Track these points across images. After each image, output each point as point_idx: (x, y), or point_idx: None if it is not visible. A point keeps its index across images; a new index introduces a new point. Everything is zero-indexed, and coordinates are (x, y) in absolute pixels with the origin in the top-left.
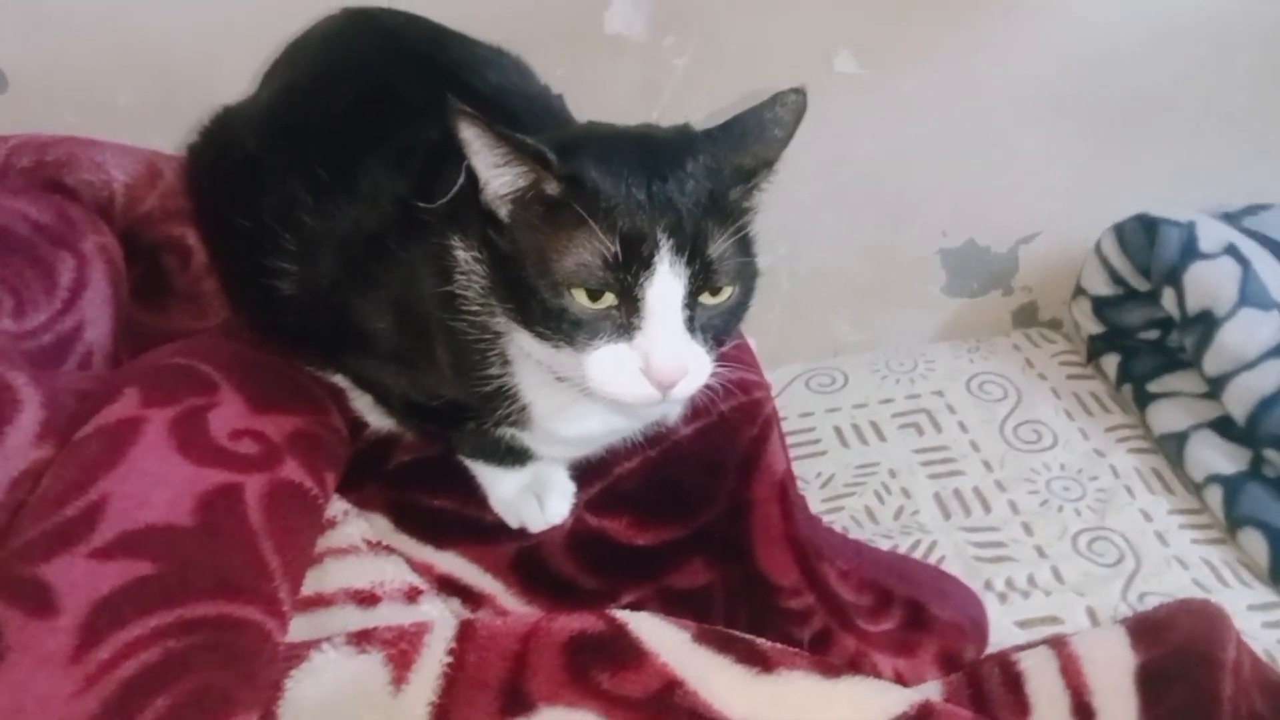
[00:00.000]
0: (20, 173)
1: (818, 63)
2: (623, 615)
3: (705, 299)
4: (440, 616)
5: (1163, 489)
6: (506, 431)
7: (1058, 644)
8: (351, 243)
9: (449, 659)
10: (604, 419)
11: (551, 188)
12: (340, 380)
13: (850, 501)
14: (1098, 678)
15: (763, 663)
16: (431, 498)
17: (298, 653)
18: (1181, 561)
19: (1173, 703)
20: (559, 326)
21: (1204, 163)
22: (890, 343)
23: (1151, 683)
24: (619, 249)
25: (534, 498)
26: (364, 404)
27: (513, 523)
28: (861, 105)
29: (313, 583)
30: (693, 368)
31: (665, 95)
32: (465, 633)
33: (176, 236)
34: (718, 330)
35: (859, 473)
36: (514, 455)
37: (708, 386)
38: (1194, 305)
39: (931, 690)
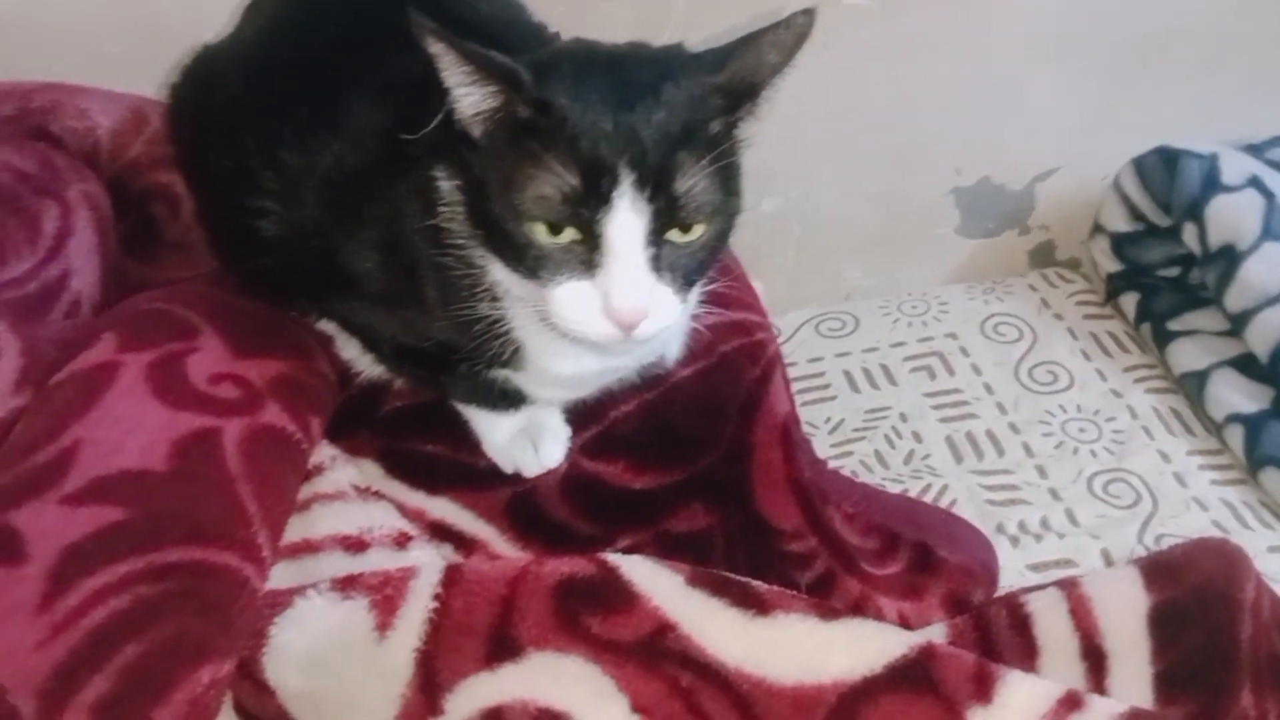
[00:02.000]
0: (4, 121)
1: None
2: (614, 558)
3: (674, 236)
4: (430, 562)
5: (1182, 429)
6: (500, 373)
7: (1068, 585)
8: (335, 180)
9: (435, 604)
10: (599, 357)
11: (523, 111)
12: (328, 326)
13: (860, 446)
14: (1109, 619)
15: (758, 605)
16: (424, 443)
17: (282, 600)
18: (1200, 503)
19: (1188, 645)
20: (523, 259)
21: (1224, 96)
22: (903, 286)
23: (1166, 624)
24: (579, 182)
25: (528, 442)
26: (353, 351)
27: (507, 468)
28: (871, 42)
29: (300, 529)
30: (656, 309)
31: (666, 35)
32: (452, 578)
33: (165, 184)
34: (688, 269)
35: (869, 417)
36: (507, 399)
37: (705, 326)
38: (1216, 240)
39: (935, 633)
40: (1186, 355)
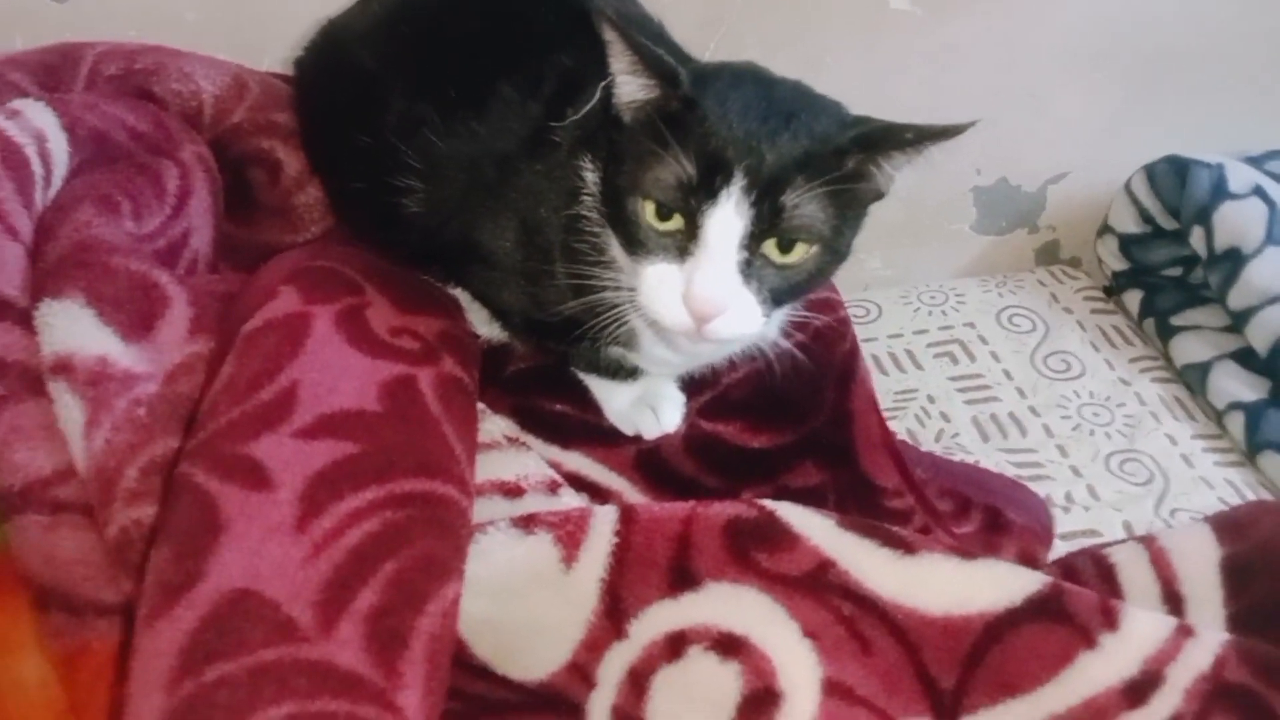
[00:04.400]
0: (108, 80)
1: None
2: (770, 503)
3: (771, 252)
4: (601, 507)
5: (1185, 416)
6: (616, 350)
7: (1146, 540)
8: (480, 163)
9: (616, 540)
10: (714, 349)
11: (672, 105)
12: (458, 293)
13: (893, 425)
14: (1185, 568)
15: (905, 546)
16: (551, 402)
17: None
18: (1207, 482)
19: (1257, 593)
20: (631, 235)
21: (1227, 112)
22: (919, 278)
23: (1236, 573)
24: (694, 173)
25: (647, 408)
26: (479, 317)
27: (628, 430)
28: (911, 46)
29: None
30: (734, 309)
31: (724, 27)
32: (628, 516)
33: (265, 150)
34: (777, 288)
35: (899, 398)
36: (625, 370)
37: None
38: (1222, 243)
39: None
40: (1189, 348)
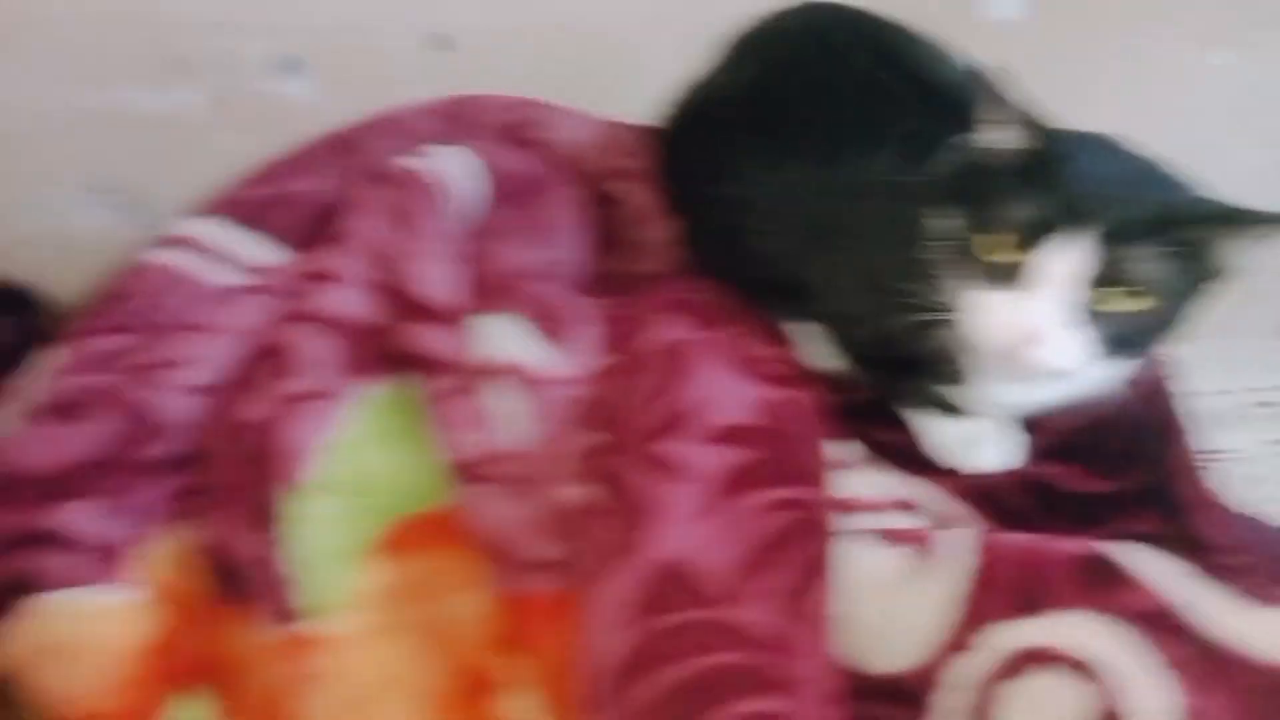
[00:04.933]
0: (495, 129)
1: None
2: (1112, 546)
3: (1104, 302)
4: (959, 529)
5: None
6: (946, 387)
7: None
8: (831, 213)
9: (971, 559)
10: (1040, 390)
11: (1032, 156)
12: (796, 329)
13: None
14: None
15: (1260, 595)
16: (888, 432)
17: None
18: None
19: None
20: (967, 263)
21: None
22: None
23: None
24: (1048, 215)
25: (969, 444)
26: (811, 348)
27: (947, 464)
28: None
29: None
30: (1057, 342)
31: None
32: (981, 541)
33: (621, 192)
34: (1101, 339)
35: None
36: (950, 409)
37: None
38: None
39: None
40: None
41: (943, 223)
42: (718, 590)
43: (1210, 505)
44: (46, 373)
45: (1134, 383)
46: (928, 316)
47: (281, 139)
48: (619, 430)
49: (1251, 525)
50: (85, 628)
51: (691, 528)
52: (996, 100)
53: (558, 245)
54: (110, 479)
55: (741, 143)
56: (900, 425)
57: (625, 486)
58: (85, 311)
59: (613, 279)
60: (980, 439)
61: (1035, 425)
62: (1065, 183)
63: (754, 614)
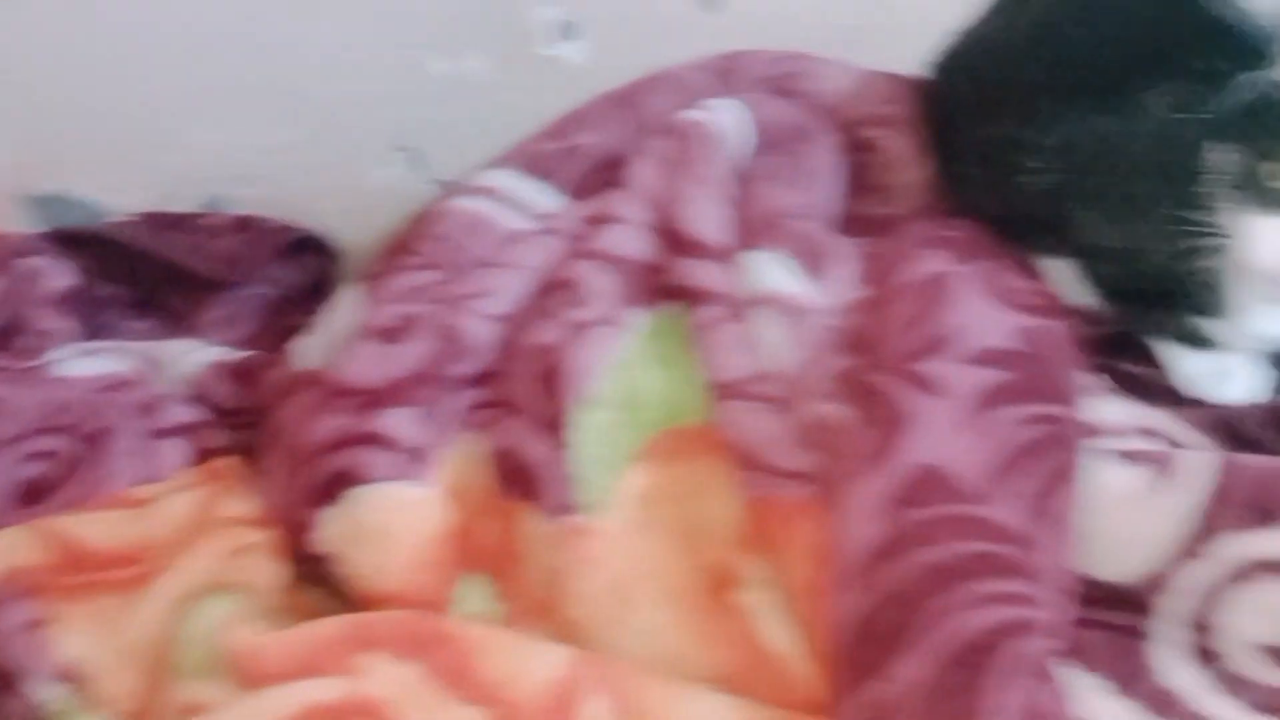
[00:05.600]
0: (762, 81)
1: None
2: None
3: None
4: (1194, 452)
5: None
6: (1201, 320)
7: None
8: (1107, 149)
9: (1217, 479)
10: None
11: None
12: (1047, 262)
13: None
14: None
15: None
16: (1135, 364)
17: None
18: None
19: None
20: (1253, 190)
21: None
22: None
23: None
24: None
25: (1219, 374)
26: (1067, 281)
27: (1193, 394)
28: None
29: None
30: None
31: None
32: (1220, 461)
33: (874, 138)
34: None
35: None
36: (1202, 341)
37: None
38: None
39: None
40: None
41: (1226, 156)
42: (970, 490)
43: None
44: (358, 304)
45: None
46: (1199, 243)
47: (561, 100)
48: (878, 352)
49: None
50: (395, 517)
51: (948, 437)
52: None
53: (817, 189)
54: (424, 391)
55: (1019, 83)
56: (1146, 359)
57: (883, 400)
58: (395, 251)
59: (864, 221)
60: (1230, 371)
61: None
62: None
63: (1003, 512)
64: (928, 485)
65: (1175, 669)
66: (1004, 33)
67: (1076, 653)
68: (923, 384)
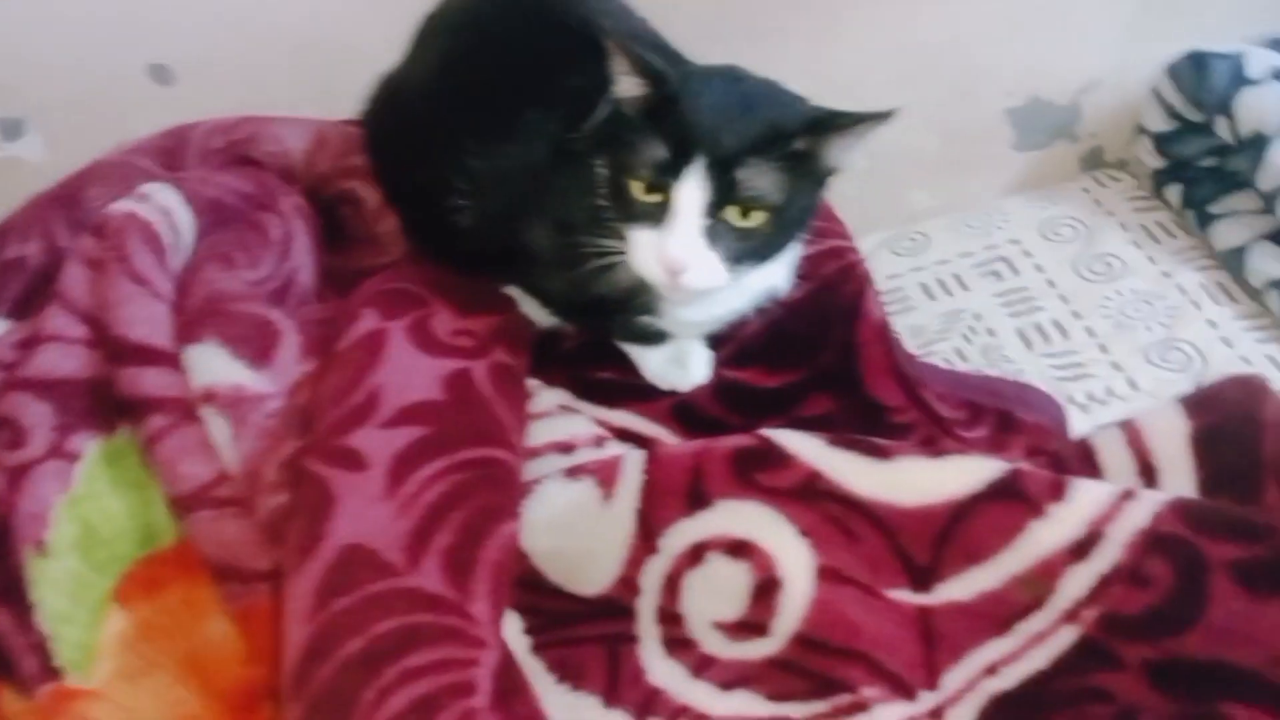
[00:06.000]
0: (214, 153)
1: None
2: (769, 431)
3: (733, 219)
4: (629, 452)
5: (1227, 299)
6: (646, 319)
7: (1124, 422)
8: (515, 177)
9: (643, 476)
10: (721, 304)
11: (656, 100)
12: (511, 290)
13: (941, 346)
14: (1158, 443)
15: (882, 453)
16: (599, 371)
17: (526, 487)
18: (1246, 360)
19: (1222, 460)
20: (624, 208)
21: None
22: (967, 203)
23: (1204, 444)
24: (668, 155)
25: (678, 365)
26: (531, 307)
27: (664, 387)
28: None
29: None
30: (698, 265)
31: (739, 4)
32: (652, 456)
33: (349, 190)
34: (737, 251)
35: (946, 320)
36: (656, 335)
37: (807, 256)
38: (1246, 129)
39: (1022, 465)
40: (1227, 234)
41: (601, 172)
42: (394, 562)
43: (884, 373)
44: None
45: (814, 277)
46: (606, 260)
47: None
48: (315, 430)
49: (949, 378)
50: None
51: (369, 511)
52: (617, 51)
53: (284, 258)
54: None
55: (431, 126)
56: (614, 362)
57: (313, 483)
58: None
59: (361, 275)
60: (686, 358)
61: (721, 338)
62: (681, 120)
63: (429, 578)
64: (353, 567)
65: (657, 665)
66: (412, 75)
67: (568, 674)
68: (347, 459)
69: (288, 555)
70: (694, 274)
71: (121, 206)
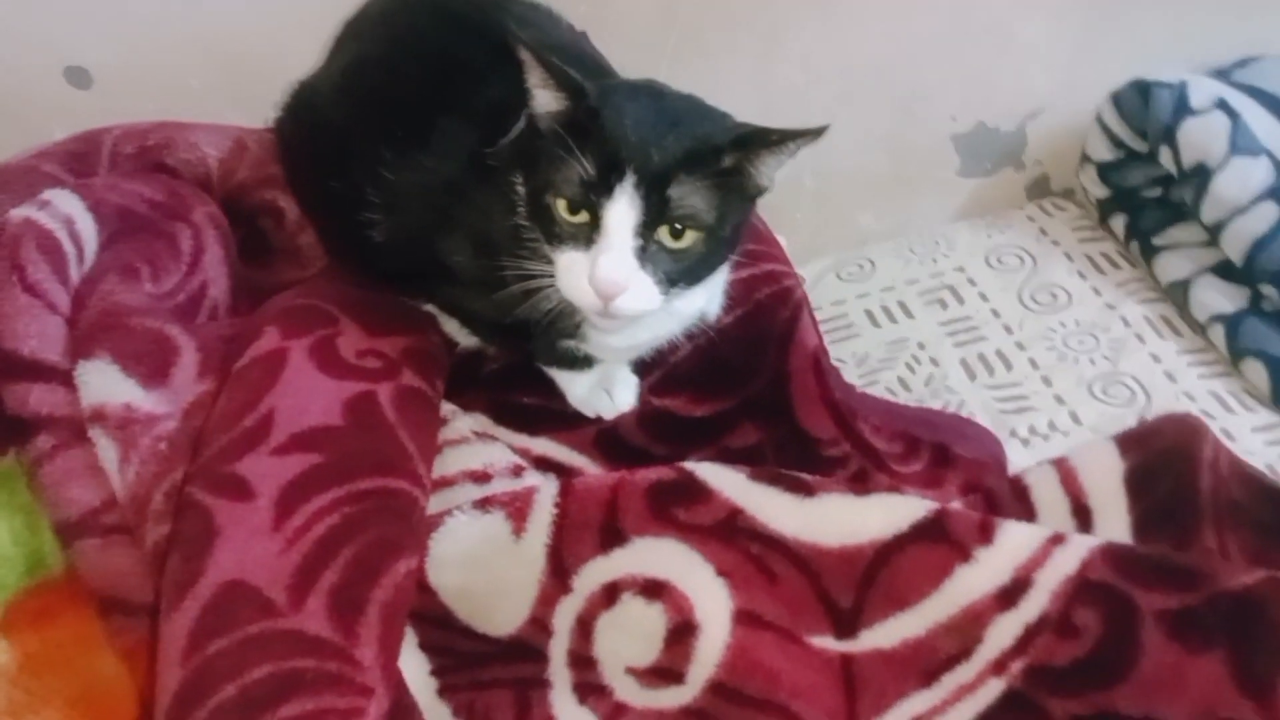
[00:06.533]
0: (126, 159)
1: None
2: (690, 465)
3: (664, 238)
4: (545, 482)
5: (1171, 333)
6: (570, 343)
7: (1058, 460)
8: (432, 191)
9: (555, 510)
10: (649, 329)
11: (579, 115)
12: (431, 307)
13: (884, 375)
14: (1092, 483)
15: (806, 490)
16: (521, 396)
17: (436, 520)
18: (1190, 395)
19: (1158, 496)
20: (548, 228)
21: (1196, 23)
22: (913, 228)
23: (1139, 482)
24: (594, 173)
25: (604, 391)
26: (452, 326)
27: (589, 414)
28: (869, 6)
29: (436, 468)
30: (632, 288)
31: (683, 18)
32: (566, 489)
33: (269, 200)
34: (671, 273)
35: (890, 348)
36: (581, 360)
37: (740, 279)
38: (1189, 160)
39: (953, 505)
40: (1171, 266)
41: (520, 189)
42: (276, 601)
43: (816, 403)
44: None
45: (746, 301)
46: (530, 284)
47: None
48: (202, 455)
49: (885, 409)
50: None
51: (253, 544)
52: (532, 61)
53: (186, 272)
54: None
55: (344, 133)
56: (536, 388)
57: (198, 514)
58: None
59: (279, 288)
60: (612, 384)
61: (649, 364)
62: (606, 136)
63: (313, 619)
64: (232, 605)
65: (568, 712)
66: (325, 80)
67: (475, 719)
68: (235, 489)
69: (165, 590)
70: (628, 298)
71: (20, 213)
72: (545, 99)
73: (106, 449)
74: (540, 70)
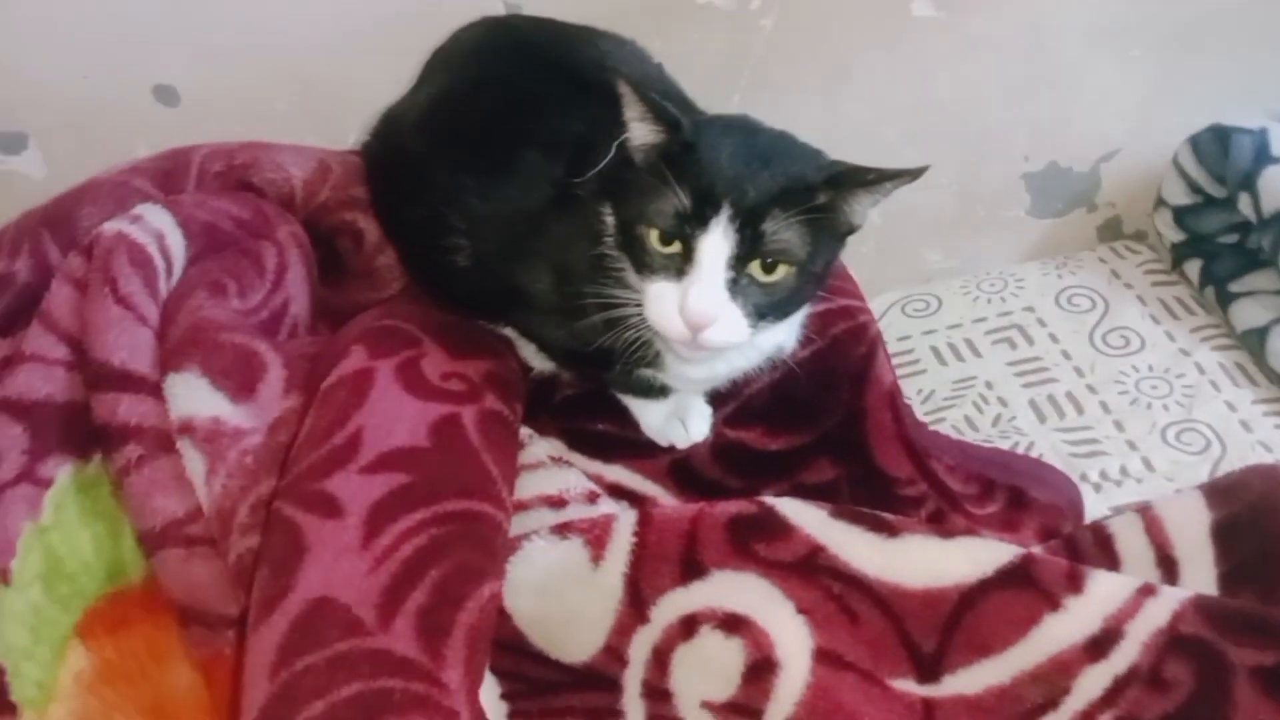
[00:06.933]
0: (214, 176)
1: (897, 8)
2: (770, 500)
3: (755, 271)
4: (623, 511)
5: (1246, 381)
6: (648, 372)
7: (1143, 509)
8: (515, 220)
9: (634, 539)
10: (728, 361)
11: (674, 148)
12: (509, 332)
13: (950, 413)
14: (1178, 533)
15: (889, 530)
16: (595, 423)
17: (512, 544)
18: (1265, 446)
19: (1245, 551)
20: (639, 257)
21: (1270, 69)
22: (981, 266)
23: (1226, 535)
24: (689, 205)
25: (678, 421)
26: (529, 351)
27: (663, 443)
28: (938, 47)
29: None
30: (722, 320)
31: (754, 56)
32: (645, 519)
33: (349, 222)
34: (760, 306)
35: (957, 386)
36: (657, 389)
37: (816, 313)
38: (1269, 207)
39: (1035, 550)
40: (1248, 313)
41: (608, 219)
42: (364, 620)
43: (892, 441)
44: None
45: (823, 336)
46: (613, 314)
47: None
48: (291, 472)
49: (960, 450)
50: None
51: (341, 562)
52: (631, 95)
53: (270, 289)
54: None
55: (429, 161)
56: (611, 415)
57: (287, 530)
58: None
59: (354, 309)
60: (687, 414)
61: (724, 395)
62: (702, 170)
63: (400, 639)
64: (321, 622)
65: None
66: (413, 109)
67: None
68: (324, 506)
69: (253, 605)
70: (717, 329)
71: (112, 227)
72: (642, 131)
73: (194, 461)
74: (639, 104)
